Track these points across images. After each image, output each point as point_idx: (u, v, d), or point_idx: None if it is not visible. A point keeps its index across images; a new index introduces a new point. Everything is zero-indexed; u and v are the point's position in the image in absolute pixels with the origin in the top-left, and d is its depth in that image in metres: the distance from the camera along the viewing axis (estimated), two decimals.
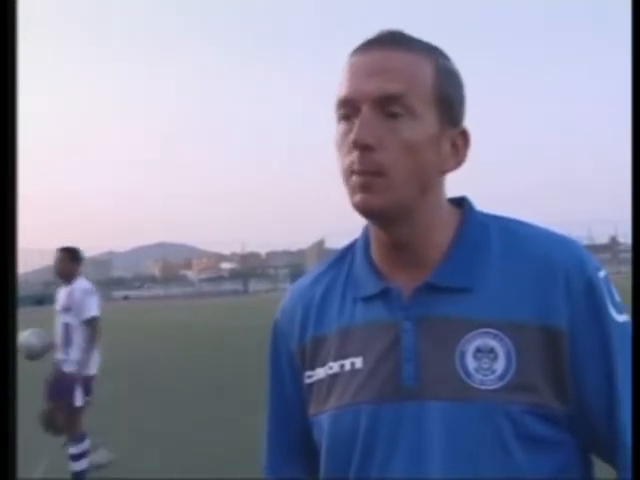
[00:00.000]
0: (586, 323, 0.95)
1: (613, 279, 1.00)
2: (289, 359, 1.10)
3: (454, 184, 1.06)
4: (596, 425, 0.97)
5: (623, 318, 0.98)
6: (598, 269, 0.98)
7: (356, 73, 0.97)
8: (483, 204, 1.07)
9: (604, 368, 0.95)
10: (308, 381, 1.07)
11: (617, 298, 0.98)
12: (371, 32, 1.01)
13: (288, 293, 1.15)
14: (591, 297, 0.95)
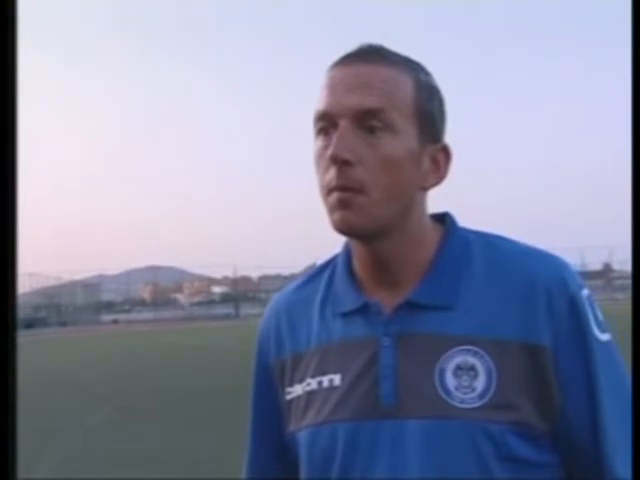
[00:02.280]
0: (569, 341, 0.94)
1: (607, 305, 0.98)
2: (268, 375, 1.09)
3: (442, 198, 1.04)
4: (579, 445, 0.95)
5: (606, 337, 0.97)
6: (581, 287, 0.97)
7: (335, 87, 0.96)
8: (467, 222, 1.05)
9: (587, 387, 0.94)
10: (287, 397, 1.05)
11: (600, 317, 0.97)
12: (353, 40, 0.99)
13: (267, 307, 1.14)
14: (574, 315, 0.94)
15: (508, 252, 1.00)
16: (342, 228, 0.95)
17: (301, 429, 1.01)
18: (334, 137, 0.93)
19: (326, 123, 0.96)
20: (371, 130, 0.94)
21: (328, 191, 0.94)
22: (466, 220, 1.05)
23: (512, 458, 0.91)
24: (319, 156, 0.96)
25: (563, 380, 0.94)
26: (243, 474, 1.16)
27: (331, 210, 0.94)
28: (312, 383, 1.01)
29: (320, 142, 0.96)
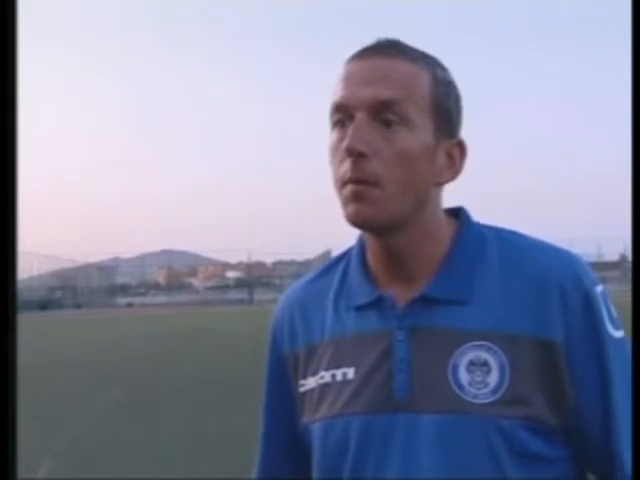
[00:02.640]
0: (582, 337, 0.94)
1: (622, 297, 0.95)
2: (281, 366, 1.09)
3: (457, 191, 1.04)
4: (591, 441, 0.95)
5: (620, 334, 0.96)
6: (595, 283, 0.96)
7: (352, 79, 0.95)
8: (482, 215, 1.05)
9: (599, 383, 0.94)
10: (301, 390, 1.05)
11: (614, 314, 0.97)
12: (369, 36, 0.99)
13: (280, 299, 1.14)
14: (587, 311, 0.94)
15: (522, 247, 0.99)
16: (356, 221, 0.94)
17: (314, 421, 1.02)
18: (350, 129, 0.93)
19: (342, 115, 0.95)
20: (387, 123, 0.93)
21: (343, 183, 0.94)
22: (480, 212, 1.05)
23: (524, 453, 0.92)
24: (334, 148, 0.96)
25: (576, 376, 0.93)
26: (256, 462, 1.17)
27: (345, 203, 0.94)
28: (326, 376, 1.01)
29: (336, 134, 0.96)
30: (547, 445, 0.93)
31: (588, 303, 0.94)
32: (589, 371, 0.94)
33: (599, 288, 0.96)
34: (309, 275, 1.13)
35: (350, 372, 0.99)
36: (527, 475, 0.92)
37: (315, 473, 1.03)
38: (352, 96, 0.94)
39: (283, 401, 1.10)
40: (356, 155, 0.92)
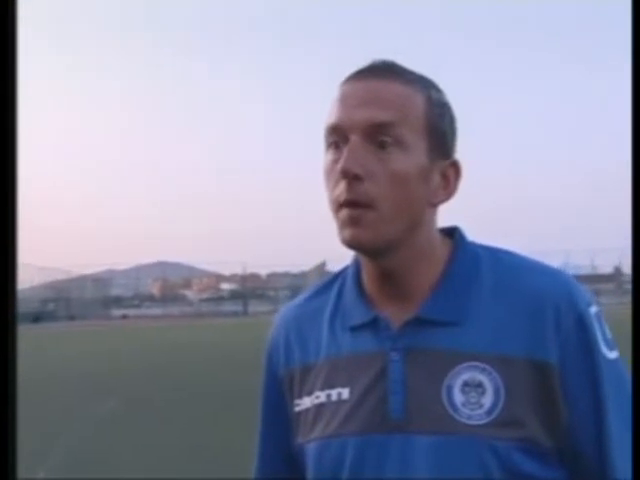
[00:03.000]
0: (576, 359, 0.94)
1: (616, 310, 0.97)
2: (277, 384, 1.09)
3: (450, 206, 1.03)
4: (585, 462, 0.95)
5: (614, 355, 0.97)
6: (589, 304, 0.96)
7: (347, 101, 0.96)
8: (473, 227, 1.05)
9: (593, 404, 0.94)
10: (296, 409, 1.05)
11: (608, 334, 0.97)
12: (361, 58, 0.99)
13: (276, 317, 1.14)
14: (581, 332, 0.94)
15: (516, 268, 1.00)
16: (352, 245, 0.95)
17: (310, 441, 1.02)
18: (344, 151, 0.94)
19: (337, 137, 0.96)
20: (382, 145, 0.94)
21: (338, 206, 0.95)
22: (473, 225, 1.06)
23: (518, 475, 0.92)
24: (329, 170, 0.97)
25: (570, 397, 0.94)
26: (253, 476, 1.16)
27: (341, 227, 0.95)
28: (321, 396, 1.02)
29: (330, 156, 0.97)
30: (541, 467, 0.93)
31: (582, 324, 0.94)
32: (583, 392, 0.94)
33: (593, 309, 0.96)
34: (304, 294, 1.13)
35: (345, 392, 1.00)
36: None
37: None
38: (347, 118, 0.95)
39: (279, 420, 1.10)
40: (351, 177, 0.93)
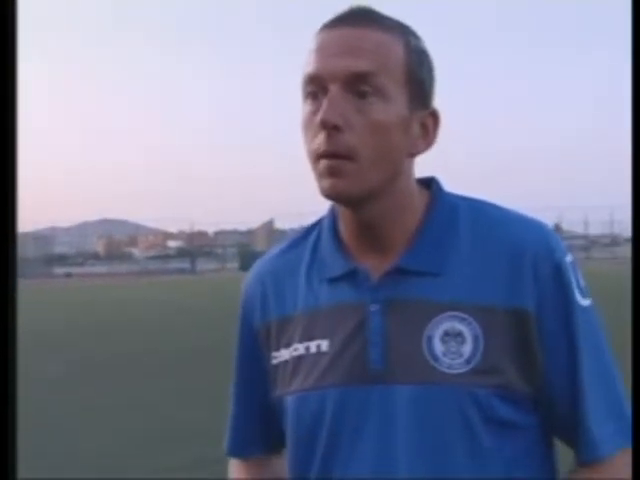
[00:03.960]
0: (552, 306, 0.95)
1: (585, 265, 1.02)
2: (253, 338, 1.08)
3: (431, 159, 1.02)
4: (559, 407, 0.97)
5: (587, 302, 0.99)
6: (565, 253, 0.98)
7: (325, 50, 0.94)
8: (465, 185, 1.03)
9: (568, 351, 0.96)
10: (273, 362, 1.05)
11: (582, 282, 0.99)
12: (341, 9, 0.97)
13: (251, 271, 1.12)
14: (558, 281, 0.96)
15: (494, 218, 1.00)
16: (331, 195, 0.94)
17: (288, 394, 1.01)
18: (324, 102, 0.92)
19: (315, 87, 0.94)
20: (361, 95, 0.92)
21: (317, 157, 0.93)
22: (465, 183, 1.03)
23: (496, 421, 0.94)
24: (307, 121, 0.95)
25: (545, 343, 0.95)
26: (225, 437, 1.15)
27: (320, 177, 0.94)
28: (299, 348, 1.01)
29: (308, 106, 0.95)
30: (518, 412, 0.95)
31: (559, 272, 0.95)
32: (558, 339, 0.95)
33: (569, 258, 0.98)
34: (278, 247, 1.11)
35: (324, 344, 0.99)
36: (499, 442, 0.94)
37: (289, 445, 1.03)
38: (325, 68, 0.92)
39: (254, 374, 1.09)
40: (330, 128, 0.91)
